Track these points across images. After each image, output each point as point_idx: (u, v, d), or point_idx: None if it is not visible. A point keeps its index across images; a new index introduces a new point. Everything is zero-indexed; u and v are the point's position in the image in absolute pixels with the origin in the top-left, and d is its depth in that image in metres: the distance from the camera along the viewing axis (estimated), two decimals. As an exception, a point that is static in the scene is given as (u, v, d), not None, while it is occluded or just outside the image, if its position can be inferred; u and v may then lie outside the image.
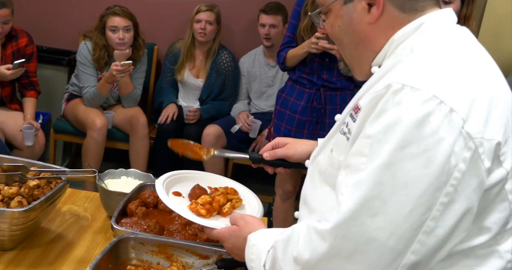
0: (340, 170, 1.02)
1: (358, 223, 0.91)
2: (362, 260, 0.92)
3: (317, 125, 2.77)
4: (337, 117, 1.23)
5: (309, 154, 1.43)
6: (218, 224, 1.28)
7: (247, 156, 1.48)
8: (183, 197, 1.41)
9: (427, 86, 0.92)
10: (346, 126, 1.09)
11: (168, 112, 3.71)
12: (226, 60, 3.83)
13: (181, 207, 1.33)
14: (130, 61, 3.42)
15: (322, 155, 1.22)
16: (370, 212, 0.91)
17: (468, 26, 2.49)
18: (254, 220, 1.21)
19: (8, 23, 3.31)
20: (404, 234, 0.91)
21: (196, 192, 1.39)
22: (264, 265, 1.07)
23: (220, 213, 1.36)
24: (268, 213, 3.62)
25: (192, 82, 3.83)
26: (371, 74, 1.14)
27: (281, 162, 1.48)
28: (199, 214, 1.31)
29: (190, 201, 1.38)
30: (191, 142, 1.54)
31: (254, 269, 1.09)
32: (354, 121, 1.04)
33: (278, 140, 1.50)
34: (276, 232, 1.11)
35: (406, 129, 0.90)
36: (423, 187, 0.90)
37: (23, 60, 3.32)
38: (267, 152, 1.47)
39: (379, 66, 1.11)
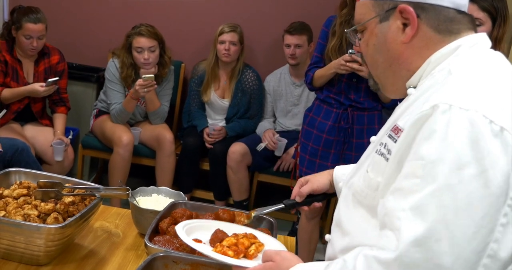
0: (387, 195, 1.01)
1: (423, 249, 0.89)
2: None
3: (344, 145, 2.77)
4: (373, 138, 1.24)
5: (331, 182, 1.55)
6: (249, 264, 1.25)
7: (283, 205, 1.60)
8: (204, 243, 1.40)
9: (475, 107, 0.93)
10: (384, 147, 1.09)
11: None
12: (251, 79, 3.87)
13: (207, 249, 1.32)
14: (152, 75, 3.46)
15: (357, 176, 1.22)
16: (435, 237, 0.89)
17: (499, 49, 2.50)
18: (291, 255, 1.17)
19: (42, 39, 3.39)
20: (469, 257, 0.89)
21: (218, 236, 1.39)
22: None
23: (246, 256, 1.34)
24: (292, 231, 3.62)
25: (218, 103, 3.87)
26: (404, 93, 1.16)
27: (312, 199, 1.59)
28: (226, 256, 1.29)
29: (212, 246, 1.37)
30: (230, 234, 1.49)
31: None
32: (394, 142, 1.04)
33: (301, 180, 1.61)
34: (320, 265, 1.08)
35: (460, 151, 0.90)
36: (485, 208, 0.90)
37: (56, 78, 3.40)
38: (297, 195, 1.57)
39: (415, 87, 1.12)
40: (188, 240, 1.33)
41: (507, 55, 2.85)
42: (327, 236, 1.33)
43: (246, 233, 1.45)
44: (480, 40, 1.11)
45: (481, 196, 0.90)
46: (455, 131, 0.91)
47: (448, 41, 1.09)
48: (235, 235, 1.41)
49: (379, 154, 1.11)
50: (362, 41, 1.18)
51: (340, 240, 1.22)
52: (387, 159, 1.06)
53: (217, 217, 1.60)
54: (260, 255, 1.34)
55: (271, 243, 1.47)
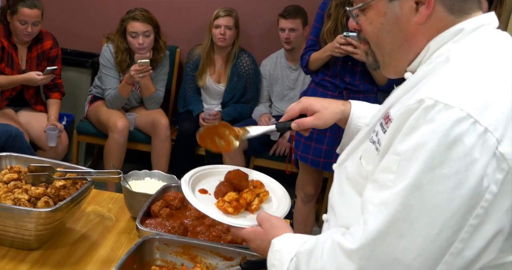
0: (367, 183, 1.01)
1: (385, 244, 0.90)
2: None
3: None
4: (367, 122, 1.22)
5: (339, 120, 1.40)
6: (245, 222, 1.25)
7: (274, 127, 1.41)
8: (210, 194, 1.37)
9: (461, 104, 0.88)
10: (376, 135, 1.07)
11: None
12: (247, 63, 3.83)
13: (207, 206, 1.30)
14: (148, 60, 3.44)
15: (350, 160, 1.19)
16: (397, 233, 0.89)
17: (500, 12, 2.46)
18: (280, 223, 1.19)
19: (38, 25, 3.35)
20: (430, 255, 0.89)
21: (222, 189, 1.35)
22: None
23: (248, 209, 1.33)
24: (288, 215, 3.61)
25: (214, 88, 3.85)
26: (402, 74, 1.12)
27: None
28: (226, 212, 1.28)
29: (216, 198, 1.35)
30: (215, 123, 1.48)
31: None
32: (384, 132, 1.02)
33: (307, 104, 1.38)
34: (300, 240, 1.09)
35: (437, 150, 0.88)
36: (452, 209, 0.88)
37: (55, 67, 3.37)
38: (295, 122, 1.37)
39: (413, 72, 1.08)
40: (190, 195, 1.30)
41: (506, 25, 2.81)
42: (324, 216, 1.31)
43: (253, 180, 1.41)
44: (486, 21, 1.04)
45: (450, 198, 0.87)
46: (435, 130, 0.88)
47: (458, 22, 1.03)
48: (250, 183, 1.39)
49: (371, 142, 1.09)
50: (365, 19, 1.11)
51: (333, 221, 1.21)
52: (377, 149, 1.05)
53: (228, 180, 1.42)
54: (265, 206, 1.36)
55: (278, 191, 1.44)
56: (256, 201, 1.34)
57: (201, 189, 1.38)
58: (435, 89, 0.92)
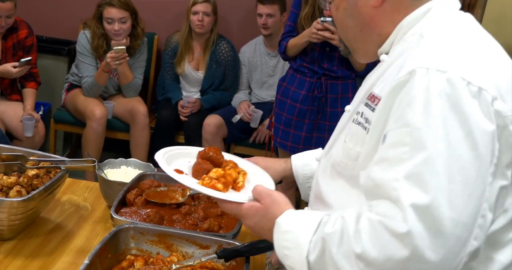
0: (370, 166, 0.98)
1: (427, 217, 0.87)
2: (435, 255, 0.87)
3: (318, 114, 2.75)
4: (348, 108, 1.21)
5: (283, 179, 1.47)
6: (238, 197, 1.16)
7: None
8: (186, 174, 1.28)
9: (453, 68, 0.92)
10: (361, 116, 1.06)
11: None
12: (225, 50, 3.80)
13: (191, 183, 1.21)
14: (124, 47, 3.39)
15: (335, 147, 1.18)
16: (435, 204, 0.87)
17: (472, 14, 2.48)
18: (281, 198, 1.10)
19: (11, 17, 3.29)
20: (467, 220, 0.88)
21: (204, 167, 1.26)
22: (307, 257, 0.98)
23: (234, 187, 1.24)
24: (269, 203, 3.62)
25: (192, 75, 3.81)
26: (375, 56, 1.15)
27: None
28: (215, 189, 1.18)
29: (196, 178, 1.25)
30: (164, 188, 1.55)
31: (290, 257, 1.01)
32: (372, 111, 1.02)
33: (253, 162, 1.43)
34: (311, 218, 1.02)
35: (443, 114, 0.89)
36: (476, 169, 0.89)
37: (29, 58, 3.31)
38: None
39: (387, 53, 1.10)
40: (170, 171, 1.22)
41: (480, 21, 2.83)
42: (306, 209, 1.29)
43: (227, 160, 1.33)
44: (450, 2, 1.09)
45: (471, 158, 0.89)
46: (435, 95, 0.90)
47: (419, 5, 1.07)
48: (225, 163, 1.32)
49: (357, 123, 1.08)
50: (333, 5, 1.16)
51: (324, 210, 1.17)
52: (366, 128, 1.04)
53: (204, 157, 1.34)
54: (248, 186, 1.25)
55: (256, 171, 1.36)
56: (241, 178, 1.27)
57: (175, 169, 1.28)
58: (423, 59, 0.94)
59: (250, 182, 1.30)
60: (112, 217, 1.41)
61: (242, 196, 1.16)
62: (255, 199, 1.12)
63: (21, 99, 3.53)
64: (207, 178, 1.21)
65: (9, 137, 3.30)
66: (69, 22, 4.07)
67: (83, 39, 3.59)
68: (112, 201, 1.57)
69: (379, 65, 1.11)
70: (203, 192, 1.18)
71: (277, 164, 1.47)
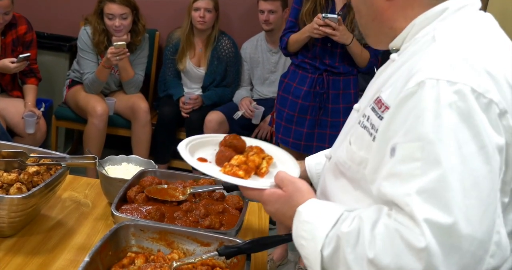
0: (379, 180, 0.97)
1: (445, 235, 0.85)
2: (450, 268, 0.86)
3: (319, 110, 2.74)
4: (356, 106, 1.19)
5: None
6: (260, 183, 1.15)
7: (221, 186, 1.54)
8: (210, 162, 1.27)
9: (463, 80, 0.89)
10: (367, 120, 1.05)
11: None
12: (227, 46, 3.79)
13: (214, 171, 1.20)
14: (124, 43, 3.38)
15: (342, 147, 1.16)
16: (450, 221, 0.85)
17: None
18: (304, 186, 1.10)
19: (9, 14, 3.27)
20: (483, 237, 0.86)
21: (226, 155, 1.25)
22: (321, 250, 0.98)
23: (257, 173, 1.24)
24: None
25: (194, 71, 3.80)
26: (387, 46, 1.13)
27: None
28: (236, 177, 1.19)
29: (219, 166, 1.25)
30: (165, 186, 1.56)
31: (306, 248, 1.01)
32: (379, 118, 1.00)
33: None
34: (331, 211, 1.01)
35: (456, 128, 0.88)
36: (489, 185, 0.88)
37: (28, 54, 3.29)
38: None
39: (397, 50, 1.09)
40: (192, 160, 1.23)
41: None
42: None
43: (252, 146, 1.32)
44: (469, 2, 1.06)
45: (485, 173, 0.88)
46: (446, 107, 0.88)
47: (435, 4, 1.04)
48: (250, 148, 1.31)
49: (362, 127, 1.07)
50: None
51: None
52: (371, 135, 1.02)
53: (226, 144, 1.33)
54: (272, 171, 1.24)
55: (283, 157, 1.35)
56: (264, 164, 1.26)
57: (199, 157, 1.28)
58: (432, 69, 0.92)
59: (277, 167, 1.28)
60: (112, 214, 1.41)
61: (264, 182, 1.15)
62: (277, 185, 1.11)
63: (22, 96, 3.52)
64: (228, 166, 1.21)
65: (11, 133, 3.30)
66: (70, 18, 4.06)
67: (84, 35, 3.58)
68: (113, 198, 1.56)
69: (390, 64, 1.10)
70: (223, 179, 1.18)
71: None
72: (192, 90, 3.82)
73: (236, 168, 1.20)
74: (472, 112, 0.88)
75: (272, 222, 3.08)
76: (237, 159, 1.23)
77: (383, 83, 1.06)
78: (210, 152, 1.32)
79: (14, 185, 1.49)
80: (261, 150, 1.32)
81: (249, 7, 3.94)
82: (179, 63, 3.77)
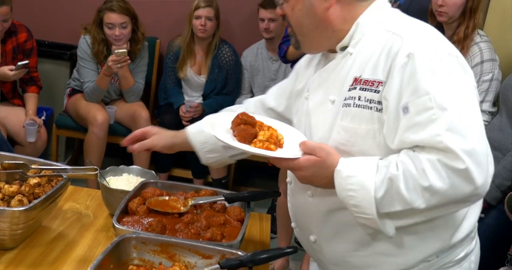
0: (399, 134, 1.17)
1: (475, 155, 1.11)
2: (481, 181, 1.12)
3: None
4: (332, 98, 1.33)
5: (172, 144, 1.71)
6: (289, 153, 1.25)
7: (222, 197, 1.59)
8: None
9: (438, 48, 1.21)
10: (359, 99, 1.25)
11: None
12: (227, 54, 3.80)
13: (253, 148, 1.25)
14: (125, 50, 3.39)
15: (333, 132, 1.30)
16: (474, 144, 1.12)
17: (474, 19, 2.49)
18: (332, 149, 1.25)
19: (8, 21, 3.28)
20: (488, 151, 1.15)
21: (248, 132, 1.29)
22: (374, 195, 1.16)
23: (278, 145, 1.31)
24: (271, 208, 3.61)
25: (194, 79, 3.80)
26: (323, 49, 1.38)
27: (253, 194, 1.62)
28: (269, 150, 1.26)
29: (244, 142, 1.28)
30: (166, 198, 1.57)
31: (356, 197, 1.18)
32: (376, 92, 1.22)
33: (148, 129, 1.73)
34: (366, 163, 1.20)
35: (450, 76, 1.18)
36: (479, 111, 1.20)
37: (26, 62, 3.30)
38: (137, 145, 1.69)
39: (346, 46, 1.32)
40: (228, 139, 1.27)
41: (482, 25, 2.83)
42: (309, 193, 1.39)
43: (261, 122, 1.36)
44: (384, 1, 1.35)
45: (475, 104, 1.19)
46: (436, 66, 1.17)
47: (366, 6, 1.31)
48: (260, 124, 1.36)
49: (356, 106, 1.25)
50: (288, 5, 1.35)
51: (328, 198, 1.32)
52: (371, 108, 1.23)
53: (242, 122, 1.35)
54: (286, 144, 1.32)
55: (280, 126, 1.39)
56: (280, 136, 1.32)
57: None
58: (413, 46, 1.20)
59: (286, 137, 1.35)
60: (114, 227, 1.40)
61: (291, 152, 1.26)
62: (308, 152, 1.24)
63: (23, 104, 3.53)
64: (258, 142, 1.28)
65: (11, 142, 3.29)
66: (71, 26, 4.06)
67: (84, 44, 3.58)
68: (114, 209, 1.56)
69: (346, 56, 1.31)
70: (264, 154, 1.24)
71: (168, 131, 1.76)
72: (192, 98, 3.82)
73: (266, 142, 1.28)
74: (452, 66, 1.19)
75: (272, 231, 3.07)
76: (263, 134, 1.30)
77: (357, 70, 1.27)
78: (223, 134, 1.32)
79: (16, 197, 1.49)
80: (264, 124, 1.38)
81: (249, 15, 3.95)
82: (179, 71, 3.78)
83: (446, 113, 1.13)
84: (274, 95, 1.65)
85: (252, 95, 3.90)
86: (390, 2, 2.71)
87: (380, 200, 1.17)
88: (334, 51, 1.36)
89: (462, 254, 1.35)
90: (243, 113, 1.33)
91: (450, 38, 2.53)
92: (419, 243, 1.29)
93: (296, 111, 1.52)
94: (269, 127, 1.33)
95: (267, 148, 1.26)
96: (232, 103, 3.80)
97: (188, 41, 3.71)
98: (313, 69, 1.46)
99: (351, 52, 1.31)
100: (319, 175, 1.24)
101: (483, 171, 1.12)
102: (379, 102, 1.23)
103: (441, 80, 1.16)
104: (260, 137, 1.28)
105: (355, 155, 1.25)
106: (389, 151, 1.21)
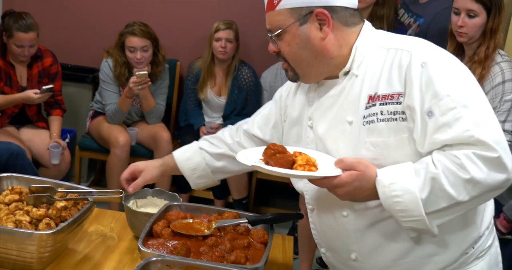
0: (429, 136, 1.25)
1: (502, 144, 1.21)
2: (510, 166, 1.22)
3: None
4: (349, 119, 1.38)
5: (163, 172, 1.80)
6: (330, 172, 1.29)
7: (246, 220, 1.61)
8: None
9: (444, 54, 1.34)
10: (381, 114, 1.32)
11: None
12: (247, 75, 3.84)
13: (300, 172, 1.30)
14: (146, 72, 3.44)
15: (361, 150, 1.35)
16: (499, 134, 1.23)
17: (495, 39, 2.49)
18: (367, 162, 1.30)
19: (34, 46, 3.36)
20: (506, 139, 1.26)
21: (286, 159, 1.33)
22: (419, 196, 1.22)
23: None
24: (292, 229, 3.60)
25: (215, 100, 3.84)
26: (322, 77, 1.43)
27: (277, 217, 1.63)
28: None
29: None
30: (190, 220, 1.59)
31: (403, 202, 1.23)
32: (398, 104, 1.30)
33: (133, 168, 1.79)
34: (403, 169, 1.26)
35: (462, 77, 1.30)
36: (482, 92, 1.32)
37: (51, 86, 3.37)
38: (131, 187, 1.74)
39: (348, 71, 1.39)
40: (265, 166, 1.31)
41: (503, 45, 2.82)
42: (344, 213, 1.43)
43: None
44: (366, 23, 1.44)
45: (484, 95, 1.31)
46: (448, 69, 1.29)
47: (356, 31, 1.40)
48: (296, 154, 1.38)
49: (379, 121, 1.32)
50: (282, 42, 1.40)
51: (365, 213, 1.39)
52: (396, 119, 1.30)
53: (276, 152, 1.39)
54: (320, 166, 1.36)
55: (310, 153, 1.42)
56: (313, 159, 1.36)
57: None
58: (423, 56, 1.29)
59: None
60: (139, 250, 1.42)
61: (330, 171, 1.31)
62: (347, 168, 1.29)
63: (47, 127, 3.59)
64: (299, 167, 1.32)
65: (36, 164, 3.35)
66: (93, 50, 4.13)
67: (106, 67, 3.65)
68: (138, 231, 1.58)
69: (352, 78, 1.38)
70: (313, 176, 1.30)
71: (154, 161, 1.84)
72: (213, 119, 3.86)
73: (307, 166, 1.32)
74: (460, 66, 1.32)
75: (294, 252, 3.07)
76: (301, 159, 1.34)
77: (368, 88, 1.34)
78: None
79: (43, 220, 1.52)
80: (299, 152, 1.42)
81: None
82: (200, 93, 3.82)
83: (469, 109, 1.22)
84: (257, 124, 1.70)
85: (272, 116, 3.91)
86: (410, 23, 2.73)
87: (426, 200, 1.23)
88: (330, 78, 1.43)
89: (490, 241, 1.45)
90: (274, 144, 1.37)
91: (471, 58, 2.53)
92: (457, 237, 1.37)
93: (288, 136, 1.57)
94: (300, 153, 1.35)
95: (310, 170, 1.31)
96: (252, 124, 3.82)
97: (209, 63, 3.76)
98: (306, 97, 1.51)
99: (357, 74, 1.38)
100: (361, 188, 1.28)
101: (509, 156, 1.22)
102: (403, 112, 1.30)
103: (456, 81, 1.27)
104: (300, 162, 1.33)
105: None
106: (420, 157, 1.28)
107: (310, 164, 1.32)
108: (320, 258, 3.07)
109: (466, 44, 2.58)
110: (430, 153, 1.27)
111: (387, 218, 1.35)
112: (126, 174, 1.78)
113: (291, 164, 1.32)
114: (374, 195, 1.27)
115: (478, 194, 1.22)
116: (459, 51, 2.60)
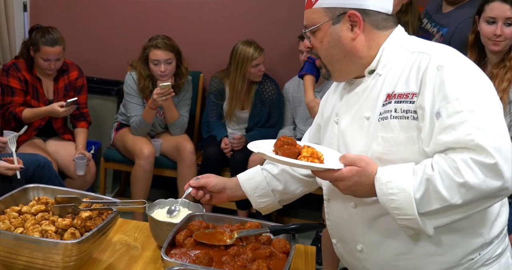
0: (435, 136, 1.29)
1: (503, 151, 1.22)
2: (508, 175, 1.23)
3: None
4: (367, 115, 1.44)
5: (224, 185, 1.78)
6: (333, 166, 1.35)
7: (268, 230, 1.62)
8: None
9: (462, 60, 1.37)
10: (395, 111, 1.37)
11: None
12: (269, 89, 3.86)
13: (301, 162, 1.36)
14: (169, 83, 3.48)
15: (373, 146, 1.40)
16: (501, 142, 1.23)
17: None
18: (370, 159, 1.36)
19: (60, 60, 3.43)
20: (511, 147, 1.26)
21: (294, 150, 1.40)
22: (414, 196, 1.26)
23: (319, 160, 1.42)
24: (316, 239, 3.59)
25: (238, 115, 3.88)
26: (351, 76, 1.50)
27: (299, 226, 1.62)
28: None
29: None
30: (213, 230, 1.62)
31: (397, 200, 1.28)
32: (411, 103, 1.34)
33: (204, 180, 1.76)
34: (402, 169, 1.30)
35: (473, 81, 1.32)
36: (496, 101, 1.34)
37: (75, 99, 3.43)
38: (204, 198, 1.76)
39: (374, 70, 1.46)
40: (273, 155, 1.38)
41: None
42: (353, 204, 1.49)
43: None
44: (401, 28, 1.51)
45: (498, 103, 1.33)
46: (462, 74, 1.32)
47: (386, 34, 1.47)
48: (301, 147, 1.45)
49: (393, 118, 1.37)
50: (315, 39, 1.49)
51: (372, 206, 1.43)
52: (408, 118, 1.34)
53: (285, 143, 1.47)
54: (326, 160, 1.42)
55: (320, 149, 1.49)
56: (319, 153, 1.42)
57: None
58: (441, 59, 1.34)
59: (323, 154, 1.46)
60: (162, 259, 1.43)
61: (333, 165, 1.36)
62: (349, 164, 1.35)
63: (73, 139, 3.65)
64: (303, 158, 1.38)
65: (62, 175, 3.40)
66: (118, 63, 4.21)
67: (130, 80, 3.70)
68: (161, 241, 1.59)
69: (376, 77, 1.45)
70: (311, 165, 1.36)
71: (220, 177, 1.82)
72: (235, 130, 3.88)
73: (310, 158, 1.38)
74: (475, 74, 1.34)
75: (317, 262, 3.05)
76: (306, 151, 1.40)
77: (388, 87, 1.40)
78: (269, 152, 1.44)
79: (68, 230, 1.55)
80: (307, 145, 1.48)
81: (290, 47, 4.01)
82: (227, 116, 3.88)
83: (474, 114, 1.26)
84: (309, 134, 1.79)
85: (295, 127, 3.93)
86: (433, 32, 2.73)
87: (420, 200, 1.27)
88: (359, 77, 1.50)
89: (499, 250, 1.45)
90: (284, 136, 1.44)
91: (497, 65, 2.50)
92: (461, 240, 1.39)
93: (324, 135, 1.64)
94: (308, 146, 1.42)
95: (312, 162, 1.37)
96: (274, 135, 3.85)
97: (240, 86, 3.78)
98: (339, 96, 1.59)
99: (380, 74, 1.45)
100: (361, 183, 1.34)
101: (510, 165, 1.23)
102: (415, 112, 1.34)
103: (468, 87, 1.30)
104: (304, 153, 1.39)
105: (396, 162, 1.35)
106: (426, 156, 1.32)
107: (314, 157, 1.38)
108: (344, 268, 3.05)
109: (492, 53, 2.55)
110: (434, 153, 1.30)
111: None
112: (195, 183, 1.75)
113: (296, 155, 1.38)
114: (373, 191, 1.33)
115: (472, 199, 1.24)
116: (480, 62, 2.58)
